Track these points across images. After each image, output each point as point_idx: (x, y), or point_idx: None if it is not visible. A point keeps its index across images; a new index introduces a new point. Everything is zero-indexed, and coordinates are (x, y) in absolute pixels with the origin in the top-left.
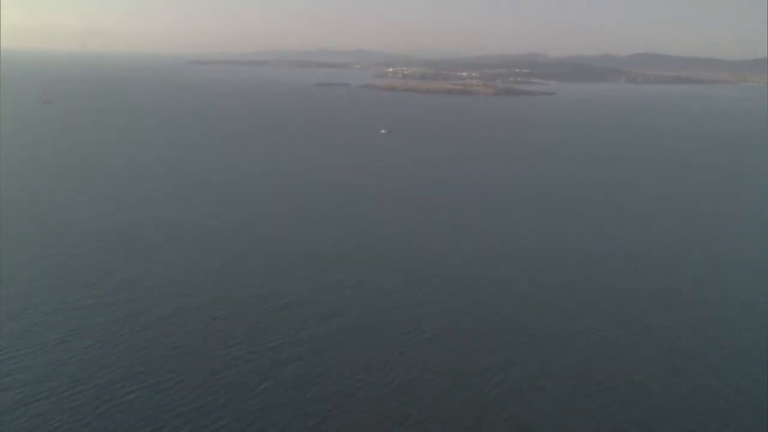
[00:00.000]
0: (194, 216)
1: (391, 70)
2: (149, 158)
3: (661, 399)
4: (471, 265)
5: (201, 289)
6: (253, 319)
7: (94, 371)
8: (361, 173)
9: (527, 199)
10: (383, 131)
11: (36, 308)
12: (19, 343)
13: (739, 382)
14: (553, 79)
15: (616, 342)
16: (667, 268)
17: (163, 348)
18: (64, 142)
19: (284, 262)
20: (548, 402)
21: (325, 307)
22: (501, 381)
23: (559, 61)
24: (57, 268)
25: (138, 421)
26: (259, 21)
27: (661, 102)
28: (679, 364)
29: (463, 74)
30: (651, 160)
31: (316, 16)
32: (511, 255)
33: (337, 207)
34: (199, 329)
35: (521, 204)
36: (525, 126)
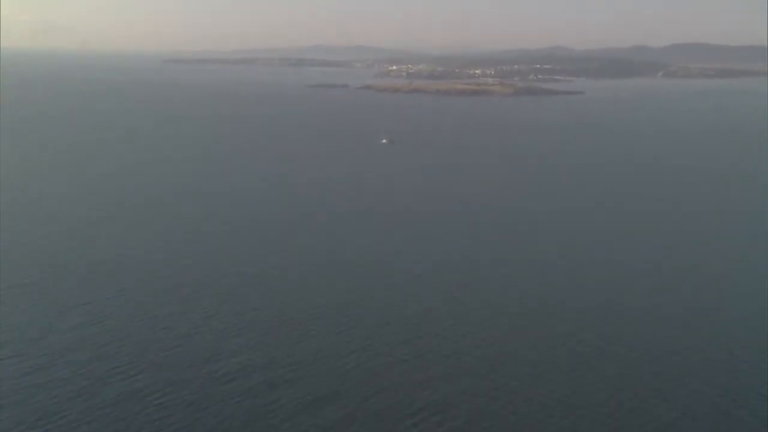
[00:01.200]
0: (151, 249)
1: (394, 68)
2: (99, 176)
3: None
4: (487, 316)
5: (160, 361)
6: (221, 415)
7: None
8: (356, 191)
9: (555, 225)
10: (384, 140)
11: None
12: None
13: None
14: (579, 76)
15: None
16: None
17: None
18: None
19: (264, 309)
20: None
21: (318, 387)
22: None
23: (586, 54)
24: None
25: None
26: (247, 14)
27: (707, 99)
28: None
29: (477, 72)
30: (702, 173)
31: (310, 9)
32: (538, 301)
33: (324, 234)
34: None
35: (548, 231)
36: (550, 132)
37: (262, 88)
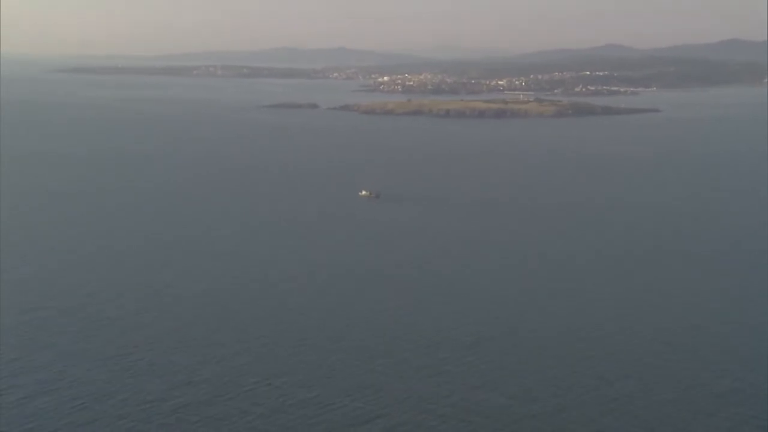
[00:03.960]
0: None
1: (385, 79)
2: None
3: None
4: None
5: None
6: None
7: None
8: (316, 281)
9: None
10: (364, 192)
11: None
12: None
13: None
14: (648, 85)
15: None
16: None
17: None
18: None
19: None
20: None
21: None
22: None
23: (655, 55)
24: None
25: None
26: (188, 8)
27: None
28: None
29: (501, 83)
30: None
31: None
32: None
33: (270, 346)
34: None
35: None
36: (620, 177)
37: (190, 109)
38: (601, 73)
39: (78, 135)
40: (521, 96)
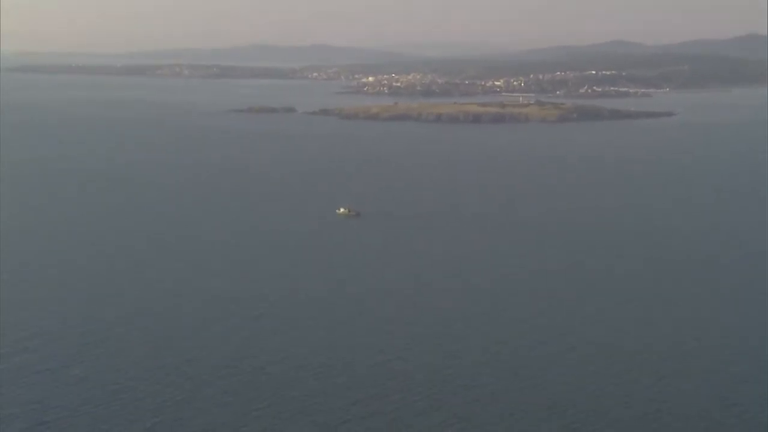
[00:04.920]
0: None
1: (370, 79)
2: None
3: None
4: None
5: None
6: None
7: None
8: (282, 320)
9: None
10: (342, 210)
11: None
12: None
13: None
14: (660, 85)
15: None
16: None
17: None
18: None
19: None
20: None
21: None
22: None
23: (667, 51)
24: None
25: None
26: (150, 1)
27: None
28: None
29: (498, 84)
30: None
31: None
32: None
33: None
34: None
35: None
36: (634, 199)
37: (156, 113)
38: (607, 73)
39: None
40: (520, 98)
